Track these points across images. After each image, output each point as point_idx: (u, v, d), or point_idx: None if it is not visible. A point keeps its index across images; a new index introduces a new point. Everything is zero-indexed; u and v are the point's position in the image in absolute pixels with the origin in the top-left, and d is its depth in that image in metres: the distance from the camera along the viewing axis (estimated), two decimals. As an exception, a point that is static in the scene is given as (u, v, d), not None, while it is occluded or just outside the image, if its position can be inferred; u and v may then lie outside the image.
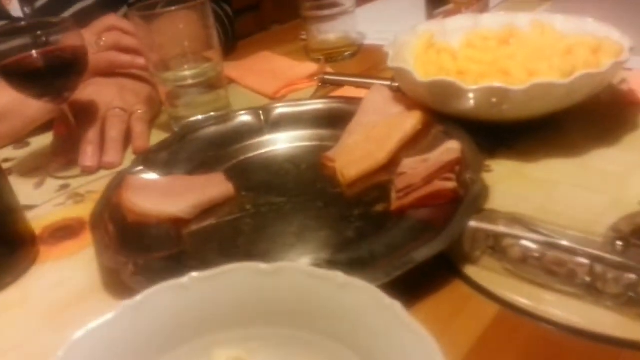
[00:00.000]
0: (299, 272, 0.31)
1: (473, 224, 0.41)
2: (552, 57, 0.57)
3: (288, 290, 0.31)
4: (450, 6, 0.70)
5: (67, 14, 0.84)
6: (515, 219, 0.41)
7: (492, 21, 0.68)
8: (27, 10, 0.82)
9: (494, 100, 0.50)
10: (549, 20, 0.65)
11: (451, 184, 0.45)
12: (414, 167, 0.50)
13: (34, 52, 0.60)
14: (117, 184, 0.52)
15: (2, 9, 0.81)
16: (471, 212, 0.42)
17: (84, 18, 0.85)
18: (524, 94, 0.49)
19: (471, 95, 0.51)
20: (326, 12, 0.84)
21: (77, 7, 0.85)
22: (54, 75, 0.59)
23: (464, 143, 0.49)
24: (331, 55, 0.87)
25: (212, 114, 0.68)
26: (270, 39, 1.05)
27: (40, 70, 0.59)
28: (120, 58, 0.72)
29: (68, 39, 0.61)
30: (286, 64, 0.85)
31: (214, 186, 0.53)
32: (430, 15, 0.72)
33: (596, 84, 0.51)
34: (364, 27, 0.95)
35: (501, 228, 0.40)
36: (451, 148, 0.48)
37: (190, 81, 0.67)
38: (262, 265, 0.31)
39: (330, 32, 0.86)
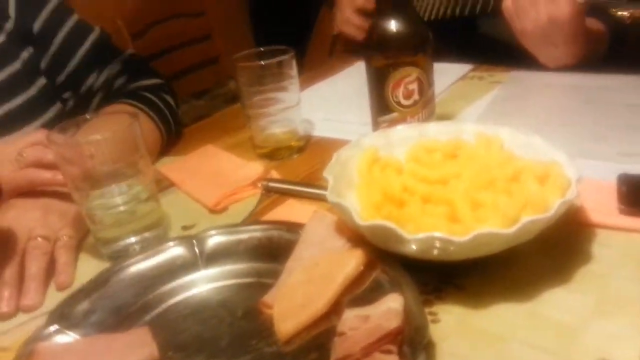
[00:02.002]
0: None
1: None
2: (498, 183, 0.54)
3: None
4: (394, 114, 0.67)
5: (-8, 118, 0.79)
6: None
7: (437, 131, 0.65)
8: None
9: (436, 248, 0.47)
10: (495, 133, 0.62)
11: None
12: (354, 326, 0.45)
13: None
14: (28, 353, 0.46)
15: None
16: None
17: (12, 120, 0.81)
18: (468, 244, 0.46)
19: (413, 243, 0.47)
20: (270, 109, 0.80)
21: (3, 109, 0.79)
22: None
23: (407, 298, 0.46)
24: (277, 151, 0.83)
25: (147, 234, 0.64)
26: (217, 126, 1.01)
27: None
28: (41, 175, 0.66)
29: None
30: (230, 165, 0.81)
31: (136, 349, 0.47)
32: (375, 122, 0.70)
33: (543, 226, 0.48)
34: (310, 113, 0.92)
35: None
36: (393, 309, 0.44)
37: (122, 207, 0.62)
38: None
39: (275, 127, 0.83)
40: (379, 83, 0.67)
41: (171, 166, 0.83)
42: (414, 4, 0.66)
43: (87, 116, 0.65)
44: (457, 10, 1.13)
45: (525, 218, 0.46)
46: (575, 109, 0.85)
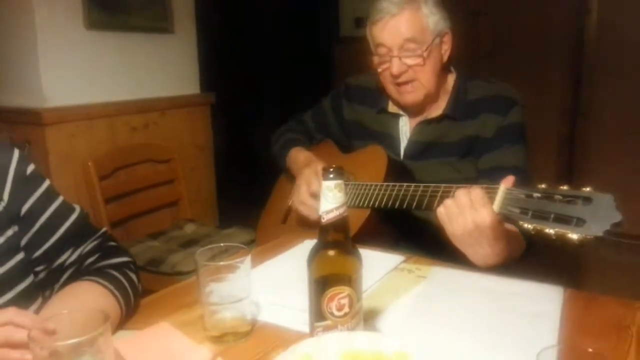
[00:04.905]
0: None
1: None
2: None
3: None
4: (328, 322, 0.80)
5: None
6: None
7: (363, 341, 0.78)
8: None
9: None
10: (412, 353, 0.75)
11: None
12: None
13: None
14: None
15: None
16: None
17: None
18: None
19: None
20: (222, 299, 0.92)
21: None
22: None
23: None
24: (225, 335, 0.93)
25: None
26: (171, 301, 1.09)
27: None
28: (9, 356, 0.74)
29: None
30: (180, 347, 0.90)
31: None
32: (312, 325, 0.82)
33: None
34: (259, 292, 1.02)
35: None
36: None
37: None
38: None
39: (225, 312, 0.94)
40: (316, 294, 0.80)
41: (126, 343, 0.91)
42: (350, 240, 0.81)
43: (65, 311, 0.74)
44: (397, 204, 1.31)
45: None
46: (486, 315, 1.00)
